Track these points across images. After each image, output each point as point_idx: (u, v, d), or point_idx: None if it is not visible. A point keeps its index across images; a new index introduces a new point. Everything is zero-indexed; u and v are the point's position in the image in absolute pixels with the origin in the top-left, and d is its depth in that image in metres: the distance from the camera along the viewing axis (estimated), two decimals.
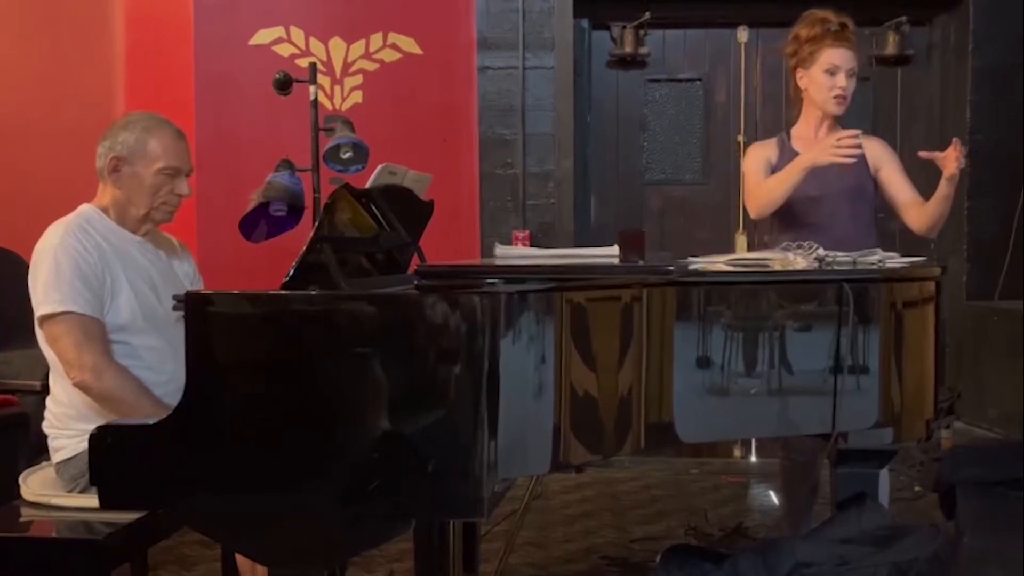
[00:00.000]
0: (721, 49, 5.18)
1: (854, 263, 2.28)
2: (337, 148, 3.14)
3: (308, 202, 3.18)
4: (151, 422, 1.68)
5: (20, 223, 2.83)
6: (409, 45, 4.50)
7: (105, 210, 2.34)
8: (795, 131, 2.98)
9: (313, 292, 1.73)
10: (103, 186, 2.35)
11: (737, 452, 4.73)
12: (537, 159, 4.83)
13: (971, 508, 2.51)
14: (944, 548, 2.14)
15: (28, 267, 2.26)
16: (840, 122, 2.94)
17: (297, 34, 4.42)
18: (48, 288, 2.19)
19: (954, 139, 2.72)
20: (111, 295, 2.25)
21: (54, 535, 2.07)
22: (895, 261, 2.34)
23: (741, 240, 5.09)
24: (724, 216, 5.19)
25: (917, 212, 2.86)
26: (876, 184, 2.92)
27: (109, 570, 2.02)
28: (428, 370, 1.60)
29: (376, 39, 4.48)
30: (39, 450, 2.46)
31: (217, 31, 4.35)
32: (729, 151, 5.19)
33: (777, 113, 5.18)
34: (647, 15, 4.98)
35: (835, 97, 2.86)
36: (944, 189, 2.73)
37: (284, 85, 3.22)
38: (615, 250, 2.27)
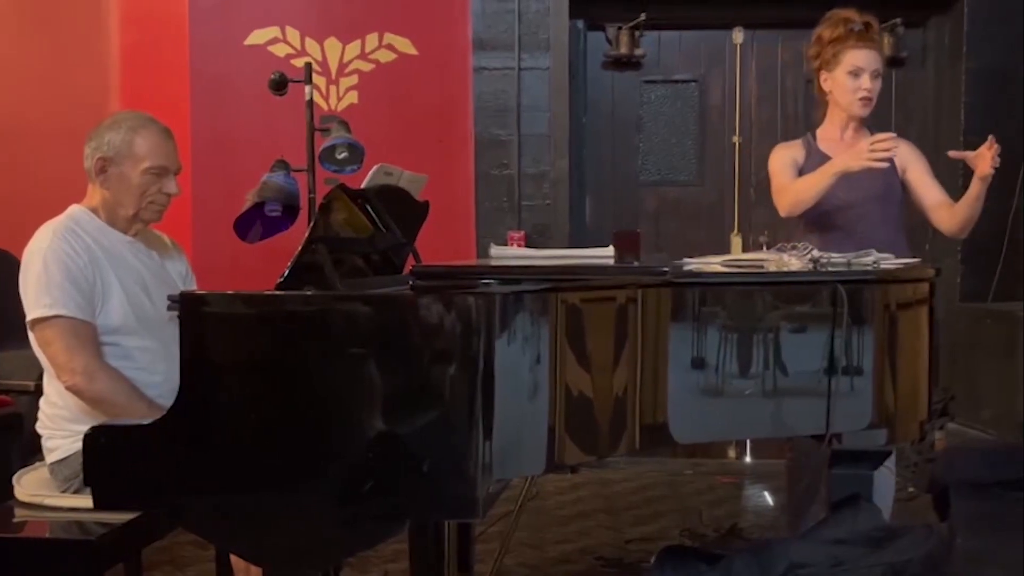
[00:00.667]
0: (716, 50, 5.18)
1: (848, 264, 2.29)
2: (333, 148, 3.13)
3: (303, 202, 3.18)
4: (145, 422, 1.68)
5: (15, 223, 2.83)
6: (405, 46, 4.49)
7: (95, 211, 2.33)
8: (821, 132, 2.94)
9: (308, 293, 1.73)
10: (92, 187, 2.34)
11: (732, 453, 4.74)
12: (532, 160, 4.83)
13: (965, 509, 2.51)
14: (938, 549, 2.14)
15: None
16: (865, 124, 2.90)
17: (293, 34, 4.41)
18: (38, 292, 2.18)
19: (989, 136, 2.66)
20: (102, 297, 2.24)
21: (48, 536, 2.07)
22: (889, 262, 2.35)
23: (736, 241, 5.10)
24: (719, 217, 5.20)
25: (947, 214, 2.81)
26: (904, 186, 2.88)
27: (103, 571, 2.02)
28: (423, 371, 1.60)
29: (372, 39, 4.48)
30: (33, 450, 2.46)
31: (212, 31, 4.35)
32: (724, 152, 5.19)
33: (772, 114, 5.20)
34: (643, 16, 4.99)
35: (860, 100, 2.82)
36: (976, 189, 2.67)
37: (280, 85, 3.22)
38: (610, 251, 2.27)
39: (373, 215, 2.10)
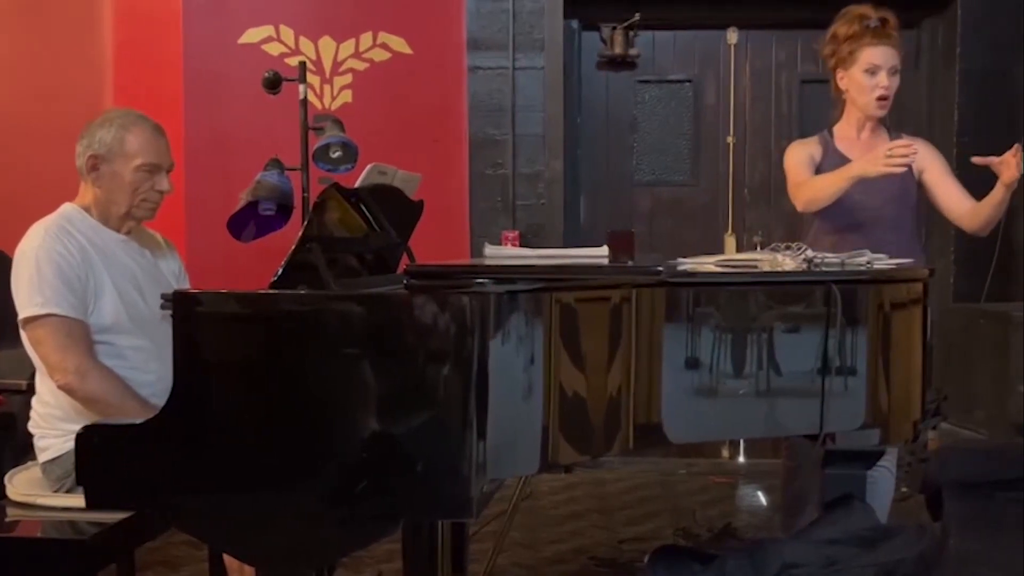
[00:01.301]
0: (711, 51, 5.19)
1: (842, 264, 2.29)
2: (326, 147, 3.13)
3: (297, 201, 3.18)
4: (138, 422, 1.67)
5: (7, 221, 2.82)
6: (399, 45, 4.49)
7: (87, 209, 2.32)
8: (837, 130, 2.91)
9: (302, 292, 1.73)
10: (84, 185, 2.33)
11: (725, 453, 4.75)
12: (527, 159, 4.83)
13: (958, 509, 2.52)
14: (931, 549, 2.15)
15: None
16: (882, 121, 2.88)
17: (287, 33, 4.40)
18: (30, 291, 2.17)
19: (1015, 144, 2.63)
20: (94, 296, 2.23)
21: (40, 535, 2.06)
22: (883, 263, 2.35)
23: (730, 241, 5.10)
24: (713, 217, 5.20)
25: (969, 214, 2.79)
26: (920, 187, 2.86)
27: (95, 571, 2.01)
28: (417, 370, 1.60)
29: (366, 38, 4.48)
30: (25, 450, 2.45)
31: (206, 30, 4.34)
32: (719, 153, 5.20)
33: (766, 115, 5.21)
34: (637, 16, 4.99)
35: (877, 99, 2.77)
36: (1000, 194, 2.66)
37: (273, 84, 3.22)
38: (605, 251, 2.27)
39: (367, 214, 2.10)
